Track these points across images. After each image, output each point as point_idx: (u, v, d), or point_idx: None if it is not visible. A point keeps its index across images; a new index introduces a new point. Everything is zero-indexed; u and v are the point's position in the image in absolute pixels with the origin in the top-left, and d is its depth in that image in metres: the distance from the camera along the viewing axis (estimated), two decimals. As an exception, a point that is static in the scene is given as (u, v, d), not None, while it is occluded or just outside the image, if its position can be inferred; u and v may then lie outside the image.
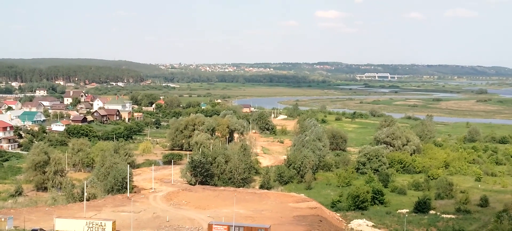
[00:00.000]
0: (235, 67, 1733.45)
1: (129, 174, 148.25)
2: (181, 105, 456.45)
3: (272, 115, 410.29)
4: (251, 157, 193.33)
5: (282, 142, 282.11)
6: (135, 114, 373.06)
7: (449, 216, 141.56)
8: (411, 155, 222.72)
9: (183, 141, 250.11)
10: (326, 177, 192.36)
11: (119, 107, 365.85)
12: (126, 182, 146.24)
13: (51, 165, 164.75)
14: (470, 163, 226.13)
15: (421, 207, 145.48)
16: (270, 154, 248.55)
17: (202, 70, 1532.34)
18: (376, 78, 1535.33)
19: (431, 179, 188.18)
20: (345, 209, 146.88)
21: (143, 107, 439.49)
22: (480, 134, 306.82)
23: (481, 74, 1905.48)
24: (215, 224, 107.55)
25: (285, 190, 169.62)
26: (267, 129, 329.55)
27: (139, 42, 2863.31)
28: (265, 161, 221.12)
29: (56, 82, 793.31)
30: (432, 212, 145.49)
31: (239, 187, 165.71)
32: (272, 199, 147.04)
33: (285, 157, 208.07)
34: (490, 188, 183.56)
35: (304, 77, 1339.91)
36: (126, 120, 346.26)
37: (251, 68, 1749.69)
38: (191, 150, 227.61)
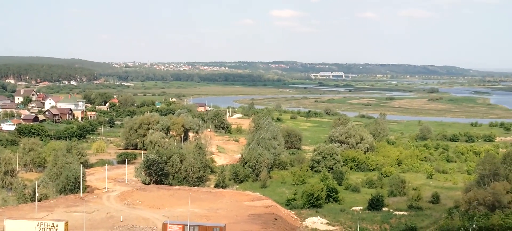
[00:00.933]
0: (190, 66, 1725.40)
1: (82, 173, 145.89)
2: (135, 104, 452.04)
3: (228, 114, 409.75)
4: (206, 156, 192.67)
5: (237, 141, 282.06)
6: (88, 113, 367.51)
7: (401, 212, 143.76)
8: (364, 153, 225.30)
9: (138, 140, 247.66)
10: (281, 175, 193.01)
11: (71, 106, 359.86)
12: (79, 182, 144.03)
13: (1, 165, 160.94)
14: (422, 160, 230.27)
15: (375, 204, 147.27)
16: (225, 152, 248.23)
17: (157, 69, 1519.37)
18: (331, 77, 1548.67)
19: (384, 177, 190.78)
20: (300, 207, 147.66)
21: (97, 106, 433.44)
22: (432, 132, 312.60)
23: (433, 74, 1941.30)
24: (169, 224, 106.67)
25: (240, 188, 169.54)
26: (223, 128, 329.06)
27: (93, 40, 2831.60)
28: (220, 160, 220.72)
29: (6, 81, 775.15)
30: (385, 209, 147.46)
31: (194, 186, 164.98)
32: (227, 198, 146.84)
33: (240, 155, 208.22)
34: (441, 185, 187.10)
35: (260, 76, 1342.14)
36: (79, 119, 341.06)
37: (206, 67, 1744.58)
38: (145, 149, 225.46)
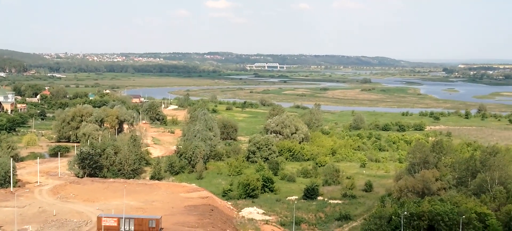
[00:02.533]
0: (124, 57, 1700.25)
1: (12, 167, 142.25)
2: (67, 96, 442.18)
3: (163, 105, 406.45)
4: (141, 148, 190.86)
5: (173, 132, 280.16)
6: (19, 105, 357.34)
7: (336, 201, 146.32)
8: (299, 143, 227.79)
9: (70, 133, 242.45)
10: (217, 166, 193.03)
11: (0, 98, 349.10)
12: (9, 176, 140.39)
13: None
14: (355, 149, 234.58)
15: (310, 193, 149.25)
16: (160, 144, 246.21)
17: (90, 60, 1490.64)
18: (266, 68, 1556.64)
19: (319, 166, 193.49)
20: (236, 197, 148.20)
21: (27, 99, 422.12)
22: (365, 121, 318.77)
23: (366, 64, 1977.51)
24: (104, 217, 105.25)
25: (176, 180, 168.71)
26: (158, 119, 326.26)
27: (22, 31, 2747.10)
28: (155, 152, 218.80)
29: None
30: (320, 198, 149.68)
31: (129, 179, 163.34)
32: (163, 190, 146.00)
33: (176, 147, 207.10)
34: (374, 173, 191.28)
35: (195, 67, 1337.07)
36: (9, 111, 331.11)
37: (140, 58, 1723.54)
38: (78, 142, 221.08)
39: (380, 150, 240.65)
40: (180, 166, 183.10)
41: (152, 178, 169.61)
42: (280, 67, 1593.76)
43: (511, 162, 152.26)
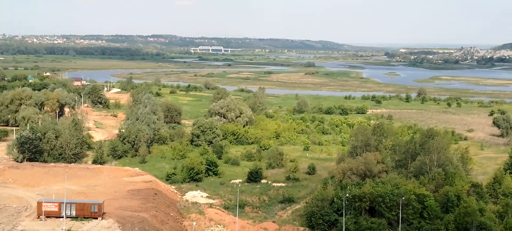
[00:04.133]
0: (65, 39, 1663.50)
1: None
2: (6, 78, 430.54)
3: (105, 89, 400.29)
4: (83, 132, 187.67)
5: (115, 116, 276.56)
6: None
7: (279, 184, 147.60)
8: (244, 126, 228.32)
9: (9, 116, 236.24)
10: (161, 150, 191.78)
11: None
12: None
13: None
14: (299, 133, 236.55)
15: (254, 176, 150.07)
16: (103, 128, 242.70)
17: (29, 42, 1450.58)
18: (210, 51, 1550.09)
19: (263, 149, 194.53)
20: (180, 181, 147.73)
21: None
22: (308, 105, 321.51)
23: (309, 48, 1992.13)
24: (45, 202, 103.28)
25: (119, 164, 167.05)
26: (100, 103, 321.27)
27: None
28: (98, 136, 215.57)
29: None
30: (264, 181, 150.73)
31: (70, 163, 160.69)
32: (105, 174, 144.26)
33: (119, 131, 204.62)
34: (317, 156, 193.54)
35: (138, 50, 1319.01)
36: None
37: (82, 40, 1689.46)
38: (18, 126, 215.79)
39: (323, 133, 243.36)
40: (123, 150, 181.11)
41: (94, 162, 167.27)
42: (224, 50, 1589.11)
43: (449, 145, 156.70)
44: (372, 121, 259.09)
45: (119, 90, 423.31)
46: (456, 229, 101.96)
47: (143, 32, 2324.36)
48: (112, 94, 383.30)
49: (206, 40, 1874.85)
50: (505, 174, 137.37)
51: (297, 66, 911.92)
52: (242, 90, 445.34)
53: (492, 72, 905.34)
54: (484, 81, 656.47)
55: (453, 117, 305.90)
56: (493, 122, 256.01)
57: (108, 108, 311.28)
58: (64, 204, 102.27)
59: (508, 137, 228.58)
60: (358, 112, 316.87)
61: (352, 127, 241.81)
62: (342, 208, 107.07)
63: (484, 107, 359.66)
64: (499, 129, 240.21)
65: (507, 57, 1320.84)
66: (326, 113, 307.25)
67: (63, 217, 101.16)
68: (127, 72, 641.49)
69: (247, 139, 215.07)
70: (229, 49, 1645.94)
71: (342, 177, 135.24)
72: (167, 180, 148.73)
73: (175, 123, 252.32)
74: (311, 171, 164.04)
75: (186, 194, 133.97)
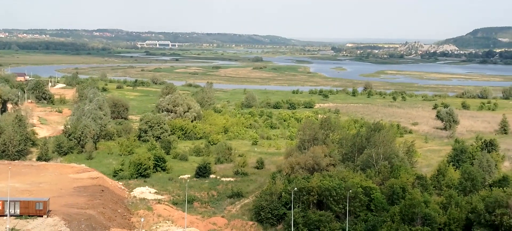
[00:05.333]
0: (7, 33, 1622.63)
1: None
2: None
3: (50, 84, 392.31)
4: (27, 128, 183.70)
5: (60, 112, 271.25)
6: None
7: (228, 179, 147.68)
8: (192, 121, 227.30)
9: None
10: (108, 146, 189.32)
11: None
12: None
13: None
14: (247, 127, 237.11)
15: (202, 172, 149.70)
16: (48, 124, 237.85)
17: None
18: (157, 46, 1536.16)
19: (212, 144, 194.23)
20: (128, 177, 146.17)
21: None
22: (256, 99, 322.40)
23: (257, 43, 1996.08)
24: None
25: (65, 161, 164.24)
26: (44, 99, 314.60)
27: None
28: (42, 132, 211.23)
29: None
30: (212, 176, 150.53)
31: (14, 160, 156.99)
32: (51, 171, 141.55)
33: (64, 127, 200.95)
34: (266, 150, 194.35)
35: (83, 45, 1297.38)
36: None
37: (25, 34, 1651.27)
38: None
39: (271, 127, 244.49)
40: (69, 146, 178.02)
41: (39, 159, 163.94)
42: (171, 45, 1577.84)
43: (394, 138, 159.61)
44: (319, 115, 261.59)
45: (64, 85, 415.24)
46: (401, 221, 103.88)
47: (88, 26, 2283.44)
48: (57, 89, 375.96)
49: (153, 35, 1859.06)
50: (448, 166, 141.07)
51: (245, 61, 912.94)
52: (190, 85, 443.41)
53: (435, 66, 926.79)
54: (428, 75, 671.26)
55: (398, 110, 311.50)
56: (437, 115, 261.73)
57: (53, 104, 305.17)
58: (8, 202, 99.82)
59: (451, 130, 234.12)
60: (306, 107, 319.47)
61: (300, 121, 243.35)
62: (290, 201, 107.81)
63: (428, 101, 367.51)
64: (443, 122, 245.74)
65: (450, 51, 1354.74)
66: (274, 108, 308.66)
67: (6, 216, 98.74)
68: (72, 67, 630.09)
69: (196, 134, 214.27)
70: (176, 43, 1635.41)
71: (290, 171, 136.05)
72: (114, 176, 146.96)
73: (122, 118, 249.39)
74: (260, 165, 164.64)
75: (134, 190, 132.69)
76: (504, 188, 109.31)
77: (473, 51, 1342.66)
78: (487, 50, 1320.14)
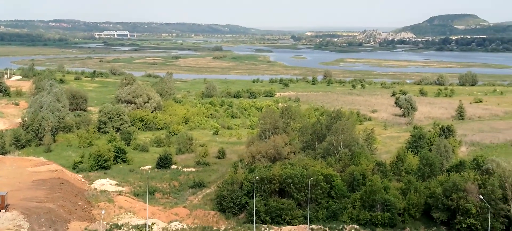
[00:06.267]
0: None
1: None
2: None
3: (5, 76, 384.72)
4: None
5: (17, 104, 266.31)
6: None
7: (189, 169, 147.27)
8: (152, 112, 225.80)
9: None
10: (67, 138, 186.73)
11: None
12: None
13: None
14: (208, 117, 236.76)
15: (163, 162, 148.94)
16: (4, 117, 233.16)
17: None
18: (116, 36, 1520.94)
19: (172, 135, 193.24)
20: (88, 169, 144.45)
21: None
22: (217, 89, 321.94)
23: (217, 32, 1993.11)
24: None
25: (23, 154, 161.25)
26: (0, 91, 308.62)
27: None
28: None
29: None
30: (174, 166, 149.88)
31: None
32: (8, 165, 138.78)
33: (21, 119, 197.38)
34: (227, 140, 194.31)
35: (39, 36, 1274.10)
36: None
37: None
38: None
39: (232, 117, 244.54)
40: (27, 139, 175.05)
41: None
42: (130, 35, 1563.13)
43: (354, 126, 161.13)
44: (280, 104, 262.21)
45: (20, 77, 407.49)
46: (362, 207, 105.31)
47: (44, 17, 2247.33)
48: (13, 81, 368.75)
49: (111, 25, 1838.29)
50: (407, 152, 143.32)
51: (205, 51, 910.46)
52: (149, 75, 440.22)
53: (393, 54, 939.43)
54: (386, 63, 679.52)
55: (357, 98, 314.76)
56: (395, 102, 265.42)
57: (9, 97, 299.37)
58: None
59: (409, 117, 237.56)
60: (266, 96, 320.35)
61: (261, 110, 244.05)
62: (252, 190, 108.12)
63: (386, 88, 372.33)
64: (401, 109, 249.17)
65: (407, 39, 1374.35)
66: (234, 97, 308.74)
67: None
68: (29, 59, 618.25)
69: (156, 124, 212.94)
70: (135, 34, 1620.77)
71: (251, 160, 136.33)
72: (74, 168, 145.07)
73: (80, 110, 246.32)
74: (221, 155, 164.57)
75: (94, 182, 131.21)
76: (461, 173, 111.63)
77: (430, 39, 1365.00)
78: (444, 37, 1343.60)
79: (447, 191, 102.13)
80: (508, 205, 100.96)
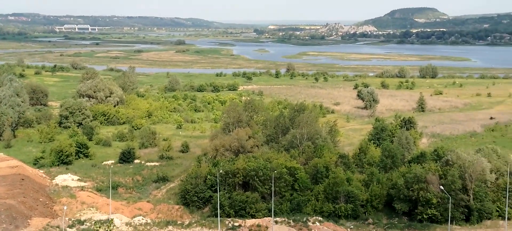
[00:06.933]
0: None
1: None
2: None
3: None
4: None
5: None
6: None
7: (153, 163, 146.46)
8: (114, 106, 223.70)
9: None
10: (27, 133, 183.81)
11: None
12: None
13: None
14: (171, 111, 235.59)
15: (126, 157, 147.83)
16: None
17: None
18: (76, 30, 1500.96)
19: (135, 129, 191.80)
20: (49, 165, 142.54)
21: None
22: (180, 83, 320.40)
23: (179, 26, 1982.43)
24: None
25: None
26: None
27: None
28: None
29: None
30: (137, 161, 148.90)
31: None
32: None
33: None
34: (190, 134, 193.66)
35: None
36: None
37: None
38: None
39: (195, 111, 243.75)
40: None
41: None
42: (91, 29, 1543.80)
43: (317, 118, 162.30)
44: (243, 97, 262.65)
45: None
46: (325, 199, 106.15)
47: (2, 10, 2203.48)
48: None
49: (72, 19, 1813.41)
50: (370, 144, 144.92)
51: (168, 44, 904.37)
52: (111, 69, 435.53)
53: (355, 47, 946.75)
54: (349, 56, 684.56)
55: (320, 91, 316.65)
56: (358, 95, 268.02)
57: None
58: None
59: (371, 109, 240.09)
60: (230, 89, 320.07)
61: (224, 103, 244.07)
62: (216, 184, 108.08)
63: (349, 81, 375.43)
64: (363, 101, 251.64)
65: (369, 32, 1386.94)
66: (198, 91, 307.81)
67: None
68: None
69: (119, 119, 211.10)
70: (96, 27, 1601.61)
71: (215, 154, 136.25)
72: (34, 164, 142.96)
73: (41, 105, 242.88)
74: (185, 149, 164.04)
75: (56, 178, 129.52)
76: (422, 164, 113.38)
77: (391, 32, 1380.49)
78: (405, 30, 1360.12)
79: (408, 182, 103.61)
80: (467, 195, 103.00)
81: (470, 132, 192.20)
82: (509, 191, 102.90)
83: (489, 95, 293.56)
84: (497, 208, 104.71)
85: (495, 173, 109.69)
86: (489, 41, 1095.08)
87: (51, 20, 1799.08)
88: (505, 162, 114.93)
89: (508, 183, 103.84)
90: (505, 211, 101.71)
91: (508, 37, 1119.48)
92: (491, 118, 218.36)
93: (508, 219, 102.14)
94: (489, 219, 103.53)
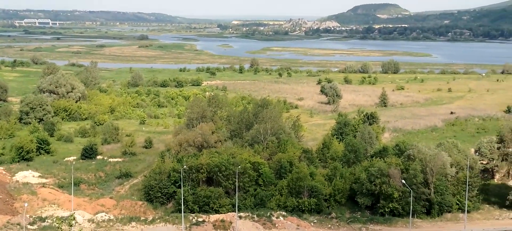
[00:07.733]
0: None
1: None
2: None
3: None
4: None
5: None
6: None
7: (116, 159, 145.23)
8: (76, 102, 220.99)
9: None
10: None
11: None
12: None
13: None
14: (134, 107, 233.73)
15: (88, 153, 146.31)
16: None
17: None
18: (37, 24, 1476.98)
19: (98, 125, 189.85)
20: (9, 161, 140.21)
21: None
22: (143, 78, 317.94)
23: (142, 21, 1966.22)
24: None
25: None
26: None
27: None
28: None
29: None
30: (99, 157, 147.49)
31: None
32: None
33: None
34: (154, 129, 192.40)
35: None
36: None
37: None
38: None
39: (159, 106, 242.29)
40: None
41: None
42: (52, 23, 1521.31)
43: (281, 113, 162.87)
44: (207, 93, 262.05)
45: None
46: (289, 194, 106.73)
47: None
48: None
49: (32, 13, 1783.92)
50: (333, 139, 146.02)
51: (130, 39, 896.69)
52: (73, 64, 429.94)
53: (319, 42, 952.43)
54: (312, 52, 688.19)
55: (284, 86, 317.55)
56: (321, 90, 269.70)
57: None
58: None
59: (334, 104, 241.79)
60: (193, 85, 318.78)
61: (188, 99, 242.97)
62: (180, 179, 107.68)
63: (312, 76, 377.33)
64: (327, 96, 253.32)
65: (332, 28, 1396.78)
66: (161, 86, 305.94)
67: None
68: None
69: (81, 115, 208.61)
70: (57, 22, 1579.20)
71: (179, 149, 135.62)
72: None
73: (1, 100, 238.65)
74: (148, 144, 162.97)
75: (16, 174, 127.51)
76: (384, 159, 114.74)
77: (354, 28, 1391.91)
78: (367, 26, 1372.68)
79: (371, 177, 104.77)
80: (429, 189, 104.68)
81: (431, 127, 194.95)
82: (468, 185, 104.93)
83: (449, 90, 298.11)
84: (457, 201, 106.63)
85: (455, 167, 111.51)
86: (449, 37, 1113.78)
87: (10, 14, 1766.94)
88: (465, 156, 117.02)
89: (468, 177, 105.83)
90: (464, 204, 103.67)
91: (468, 33, 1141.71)
92: (452, 113, 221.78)
93: (468, 211, 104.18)
94: (449, 212, 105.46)
